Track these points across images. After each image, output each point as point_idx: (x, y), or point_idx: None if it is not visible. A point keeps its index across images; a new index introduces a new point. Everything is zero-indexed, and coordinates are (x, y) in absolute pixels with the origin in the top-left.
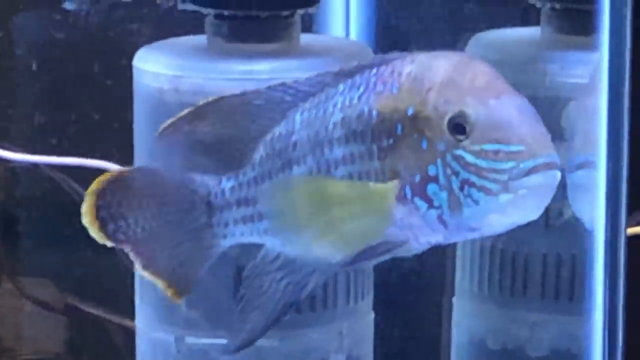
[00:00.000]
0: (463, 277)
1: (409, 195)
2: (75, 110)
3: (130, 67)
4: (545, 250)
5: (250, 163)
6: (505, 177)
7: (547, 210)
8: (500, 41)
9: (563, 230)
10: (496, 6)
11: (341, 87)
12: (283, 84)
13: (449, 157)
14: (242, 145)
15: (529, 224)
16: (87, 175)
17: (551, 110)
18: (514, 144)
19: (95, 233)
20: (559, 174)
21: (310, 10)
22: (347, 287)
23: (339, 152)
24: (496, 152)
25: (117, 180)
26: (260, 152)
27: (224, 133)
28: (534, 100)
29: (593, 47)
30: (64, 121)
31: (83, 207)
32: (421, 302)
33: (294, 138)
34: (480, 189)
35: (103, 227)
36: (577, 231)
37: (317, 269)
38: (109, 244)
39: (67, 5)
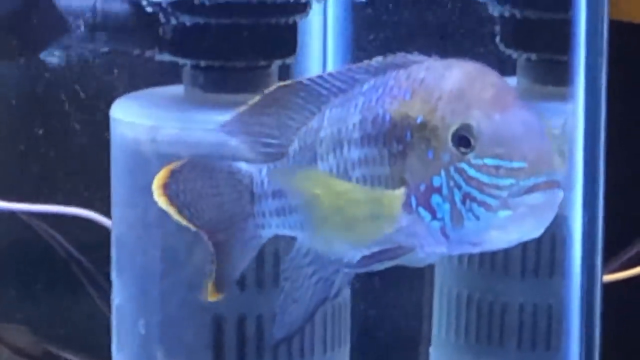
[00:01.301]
0: (440, 327)
1: (414, 204)
2: (52, 158)
3: (107, 116)
4: (522, 300)
5: (286, 154)
6: (505, 193)
7: (523, 259)
8: None
9: (539, 280)
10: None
11: (365, 86)
12: (321, 77)
13: (452, 169)
14: (285, 135)
15: (505, 274)
16: (64, 223)
17: None
18: (516, 161)
19: (176, 217)
20: (560, 193)
21: (288, 60)
22: (323, 336)
23: (355, 153)
24: (497, 168)
25: (176, 173)
26: (295, 145)
27: (271, 122)
28: None
29: (569, 97)
30: (41, 169)
31: (156, 197)
32: (398, 352)
33: (322, 134)
34: (481, 204)
35: (180, 212)
36: (553, 281)
37: (341, 267)
38: (192, 227)
39: (45, 57)
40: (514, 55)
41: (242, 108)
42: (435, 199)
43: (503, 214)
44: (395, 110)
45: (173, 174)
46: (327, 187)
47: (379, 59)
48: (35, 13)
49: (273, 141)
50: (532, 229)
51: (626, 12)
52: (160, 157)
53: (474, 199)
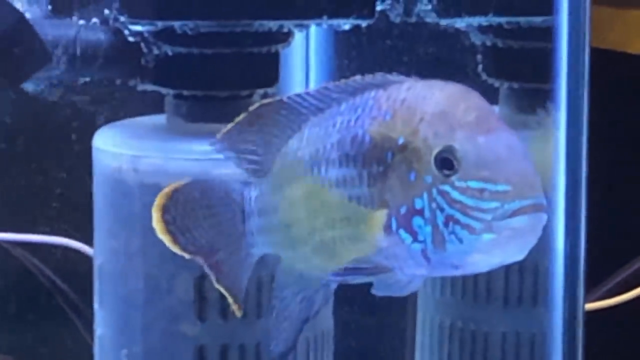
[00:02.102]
0: (423, 356)
1: (394, 226)
2: (35, 187)
3: (90, 146)
4: (505, 329)
5: (268, 173)
6: (489, 216)
7: (506, 288)
8: None
9: (522, 309)
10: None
11: (343, 106)
12: (299, 95)
13: (435, 192)
14: (269, 152)
15: (487, 303)
16: (47, 252)
17: None
18: (500, 184)
19: (170, 246)
20: (545, 217)
21: (270, 90)
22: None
23: (333, 173)
24: (481, 191)
25: (177, 193)
26: (277, 164)
27: (255, 139)
28: None
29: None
30: (24, 198)
31: (154, 224)
32: None
33: (299, 154)
34: (464, 227)
35: (175, 240)
36: (536, 310)
37: (321, 286)
38: (186, 255)
39: (28, 87)
40: (496, 84)
41: (229, 126)
42: (417, 221)
43: (487, 237)
44: (375, 131)
45: (174, 194)
46: (312, 194)
47: (358, 78)
48: (17, 43)
49: (257, 158)
50: (515, 252)
51: (609, 40)
52: (143, 187)
53: (457, 222)
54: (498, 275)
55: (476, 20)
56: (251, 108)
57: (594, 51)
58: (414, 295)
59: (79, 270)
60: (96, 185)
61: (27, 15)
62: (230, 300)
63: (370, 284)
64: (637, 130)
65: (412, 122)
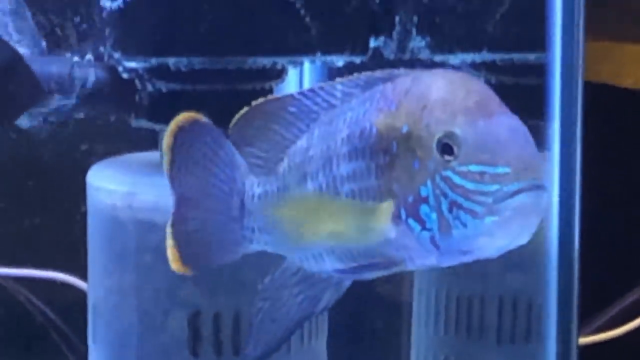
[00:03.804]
0: None
1: (403, 216)
2: (29, 223)
3: (84, 182)
4: None
5: (275, 173)
6: (490, 199)
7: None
8: None
9: (515, 346)
10: None
11: (353, 101)
12: (312, 91)
13: (437, 178)
14: (273, 151)
15: (481, 340)
16: (42, 286)
17: None
18: (500, 166)
19: (165, 166)
20: (544, 196)
21: None
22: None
23: (344, 168)
24: (482, 174)
25: (194, 125)
26: (285, 164)
27: (258, 135)
28: None
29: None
30: (18, 233)
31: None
32: None
33: (311, 152)
34: (468, 211)
35: (171, 166)
36: (529, 347)
37: (331, 285)
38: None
39: (22, 123)
40: None
41: (235, 118)
42: (424, 209)
43: (489, 219)
44: (382, 122)
45: (192, 123)
46: (316, 210)
47: (367, 73)
48: (11, 79)
49: (260, 154)
50: (519, 234)
51: (603, 74)
52: (137, 224)
53: (460, 207)
54: (491, 311)
55: (470, 57)
56: (254, 103)
57: (588, 85)
58: (408, 332)
59: (74, 304)
60: (91, 221)
61: (22, 52)
62: (170, 256)
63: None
64: (631, 164)
65: (416, 110)
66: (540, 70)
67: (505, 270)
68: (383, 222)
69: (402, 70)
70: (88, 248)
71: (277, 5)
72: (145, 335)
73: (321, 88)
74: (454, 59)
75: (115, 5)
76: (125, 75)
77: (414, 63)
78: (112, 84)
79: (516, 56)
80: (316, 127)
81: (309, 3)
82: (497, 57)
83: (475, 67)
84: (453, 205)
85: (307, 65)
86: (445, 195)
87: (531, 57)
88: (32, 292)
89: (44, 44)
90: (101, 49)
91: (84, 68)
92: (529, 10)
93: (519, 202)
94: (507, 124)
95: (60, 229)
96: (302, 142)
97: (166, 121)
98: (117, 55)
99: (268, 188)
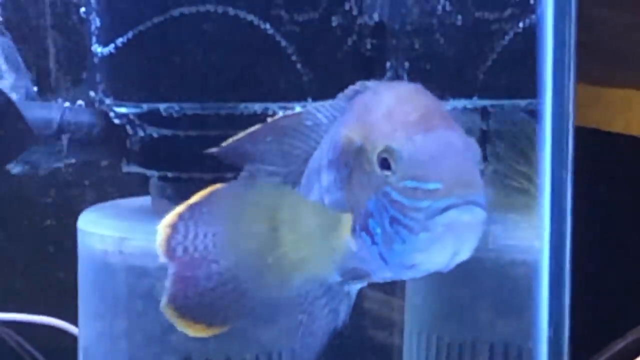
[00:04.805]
0: None
1: (357, 229)
2: (20, 267)
3: (75, 227)
4: None
5: (299, 185)
6: (422, 215)
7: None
8: None
9: None
10: None
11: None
12: (323, 106)
13: (379, 193)
14: (290, 164)
15: None
16: (32, 330)
17: (495, 271)
18: (431, 182)
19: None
20: (478, 212)
21: None
22: None
23: (324, 179)
24: (415, 190)
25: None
26: (305, 175)
27: (273, 150)
28: (475, 261)
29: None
30: (8, 278)
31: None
32: None
33: (316, 164)
34: (405, 227)
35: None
36: None
37: (345, 296)
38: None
39: (13, 168)
40: (480, 167)
41: (240, 135)
42: (371, 223)
43: (423, 235)
44: (344, 136)
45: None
46: (286, 202)
47: (351, 87)
48: (2, 124)
49: (279, 170)
50: (455, 249)
51: (592, 119)
52: (128, 269)
53: (399, 222)
54: (482, 357)
55: (461, 103)
56: (270, 120)
57: (577, 130)
58: None
59: (64, 350)
60: (81, 266)
61: (13, 97)
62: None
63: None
64: (621, 208)
65: (366, 124)
66: (532, 116)
67: (497, 316)
68: (343, 232)
69: (372, 83)
70: (79, 293)
71: (269, 52)
72: None
73: (328, 103)
74: (446, 105)
75: (106, 51)
76: (116, 121)
77: None
78: (103, 129)
79: (507, 102)
80: (323, 140)
81: (300, 49)
82: (488, 103)
83: (466, 113)
84: (393, 220)
85: (298, 110)
86: (386, 211)
87: (522, 103)
88: (22, 336)
89: (35, 89)
90: (92, 94)
91: (75, 113)
92: (519, 57)
93: (450, 219)
94: (444, 140)
95: (50, 273)
96: (316, 153)
97: (157, 167)
98: (108, 100)
99: None
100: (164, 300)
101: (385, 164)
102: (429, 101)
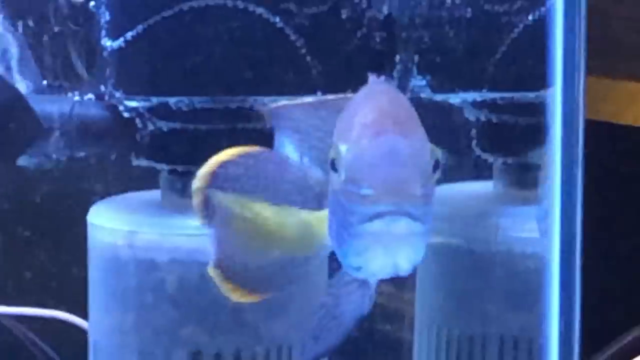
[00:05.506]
0: None
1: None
2: (29, 261)
3: (84, 221)
4: None
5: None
6: (355, 220)
7: None
8: (453, 195)
9: None
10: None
11: None
12: (344, 97)
13: (331, 195)
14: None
15: None
16: (42, 325)
17: (504, 265)
18: (364, 188)
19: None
20: (408, 224)
21: None
22: None
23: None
24: (352, 194)
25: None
26: None
27: (322, 126)
28: (486, 255)
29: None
30: (18, 272)
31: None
32: None
33: None
34: (344, 230)
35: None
36: None
37: (368, 287)
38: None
39: (22, 162)
40: (490, 159)
41: (295, 101)
42: (330, 223)
43: (356, 242)
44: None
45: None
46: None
47: None
48: (11, 117)
49: (319, 145)
50: (391, 260)
51: (602, 112)
52: (138, 263)
53: (340, 224)
54: (492, 351)
55: (470, 96)
56: (330, 96)
57: (587, 123)
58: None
59: (74, 344)
60: (91, 260)
61: (22, 91)
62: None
63: None
64: (631, 202)
65: (337, 125)
66: (541, 109)
67: (507, 310)
68: (321, 230)
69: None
70: (89, 287)
71: (278, 45)
72: None
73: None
74: (455, 97)
75: (116, 44)
76: (126, 114)
77: (415, 102)
78: (113, 123)
79: (517, 94)
80: None
81: (310, 42)
82: (498, 95)
83: (475, 106)
84: (337, 221)
85: None
86: (334, 211)
87: (531, 95)
88: (32, 331)
89: (45, 82)
90: (102, 87)
91: (84, 106)
92: (529, 49)
93: (377, 227)
94: (388, 146)
95: (60, 267)
96: None
97: (167, 160)
98: (118, 94)
99: None
100: (210, 263)
101: (333, 166)
102: (393, 105)
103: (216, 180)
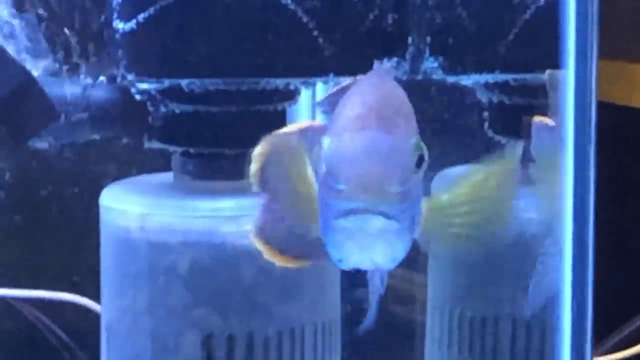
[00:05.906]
0: None
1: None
2: (41, 244)
3: (97, 203)
4: None
5: None
6: (331, 215)
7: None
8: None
9: None
10: (460, 142)
11: None
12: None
13: (318, 187)
14: None
15: None
16: (54, 308)
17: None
18: (340, 183)
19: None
20: (381, 222)
21: None
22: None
23: None
24: (330, 187)
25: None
26: None
27: None
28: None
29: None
30: (30, 255)
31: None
32: None
33: None
34: (325, 222)
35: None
36: None
37: None
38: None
39: (35, 144)
40: (503, 141)
41: (336, 88)
42: (319, 210)
43: (333, 235)
44: None
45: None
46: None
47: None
48: (24, 100)
49: None
50: (368, 255)
51: (613, 95)
52: (150, 245)
53: (323, 217)
54: (505, 332)
55: (482, 78)
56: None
57: (598, 105)
58: (421, 351)
59: (87, 327)
60: (103, 242)
61: (35, 73)
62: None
63: None
64: None
65: (332, 116)
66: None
67: (519, 291)
68: None
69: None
70: (101, 269)
71: (291, 27)
72: (158, 357)
73: None
74: (467, 79)
75: (128, 27)
76: (138, 97)
77: (427, 84)
78: (125, 105)
79: (529, 76)
80: None
81: (322, 24)
82: (510, 77)
83: (488, 87)
84: (322, 214)
85: (320, 86)
86: (320, 204)
87: (544, 77)
88: (44, 314)
89: (57, 65)
90: (114, 70)
91: (96, 89)
92: (542, 31)
93: (349, 223)
94: (368, 141)
95: (72, 250)
96: None
97: (179, 142)
98: (130, 76)
99: None
100: (253, 229)
101: (318, 156)
102: (381, 99)
103: (277, 149)
